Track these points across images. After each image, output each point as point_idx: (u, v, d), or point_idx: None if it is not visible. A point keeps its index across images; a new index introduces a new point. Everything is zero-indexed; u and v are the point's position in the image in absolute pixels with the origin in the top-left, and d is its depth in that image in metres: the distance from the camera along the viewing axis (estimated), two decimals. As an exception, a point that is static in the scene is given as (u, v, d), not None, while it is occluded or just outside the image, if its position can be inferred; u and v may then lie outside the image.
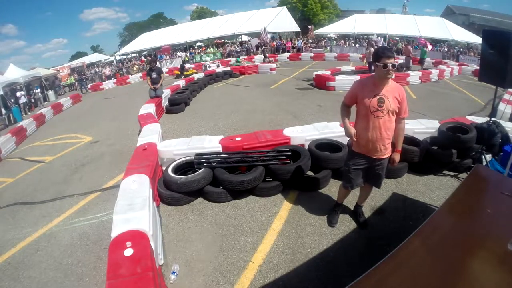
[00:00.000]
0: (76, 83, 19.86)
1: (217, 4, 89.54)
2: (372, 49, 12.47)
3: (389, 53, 2.23)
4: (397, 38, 22.51)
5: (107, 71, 21.73)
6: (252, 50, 23.71)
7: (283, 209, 3.31)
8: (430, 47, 15.49)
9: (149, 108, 6.84)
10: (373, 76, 2.40)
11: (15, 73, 14.63)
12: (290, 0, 37.98)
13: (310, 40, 27.05)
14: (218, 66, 17.07)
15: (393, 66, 2.20)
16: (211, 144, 3.97)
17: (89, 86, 17.83)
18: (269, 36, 23.81)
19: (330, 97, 9.14)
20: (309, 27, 26.30)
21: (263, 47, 22.65)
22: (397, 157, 2.55)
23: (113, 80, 18.52)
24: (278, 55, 20.80)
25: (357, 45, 23.36)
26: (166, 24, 46.94)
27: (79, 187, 4.55)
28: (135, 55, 29.00)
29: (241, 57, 16.44)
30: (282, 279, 2.38)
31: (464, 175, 3.81)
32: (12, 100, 13.10)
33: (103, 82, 18.41)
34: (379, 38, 19.52)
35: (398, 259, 1.47)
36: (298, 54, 21.82)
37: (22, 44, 73.15)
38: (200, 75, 13.10)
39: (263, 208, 3.34)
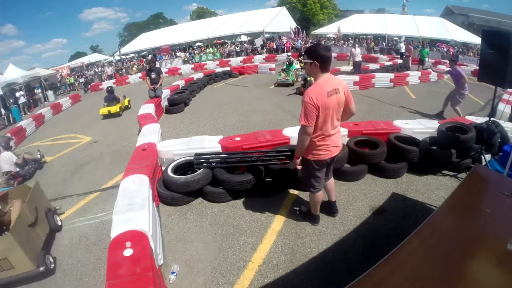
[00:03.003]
0: (76, 83, 19.89)
1: (217, 4, 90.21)
2: (357, 49, 12.23)
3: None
4: (396, 39, 22.47)
5: (109, 70, 21.70)
6: (257, 49, 23.69)
7: (282, 209, 3.31)
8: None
9: (149, 108, 6.84)
10: None
11: (14, 73, 14.65)
12: (290, 0, 38.01)
13: (310, 40, 27.02)
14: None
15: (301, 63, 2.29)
16: (210, 144, 3.97)
17: (88, 86, 17.84)
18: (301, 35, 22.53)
19: (329, 97, 9.12)
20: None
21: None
22: (294, 161, 2.55)
23: (113, 80, 18.49)
24: (278, 55, 20.76)
25: (356, 45, 23.31)
26: (165, 24, 46.99)
27: (78, 187, 4.55)
28: (134, 55, 28.98)
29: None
30: (282, 279, 2.38)
31: (463, 175, 3.81)
32: (11, 100, 13.09)
33: (103, 82, 18.39)
34: (404, 41, 19.00)
35: (398, 259, 1.47)
36: (298, 54, 21.78)
37: (21, 44, 73.30)
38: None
39: (263, 208, 3.34)
